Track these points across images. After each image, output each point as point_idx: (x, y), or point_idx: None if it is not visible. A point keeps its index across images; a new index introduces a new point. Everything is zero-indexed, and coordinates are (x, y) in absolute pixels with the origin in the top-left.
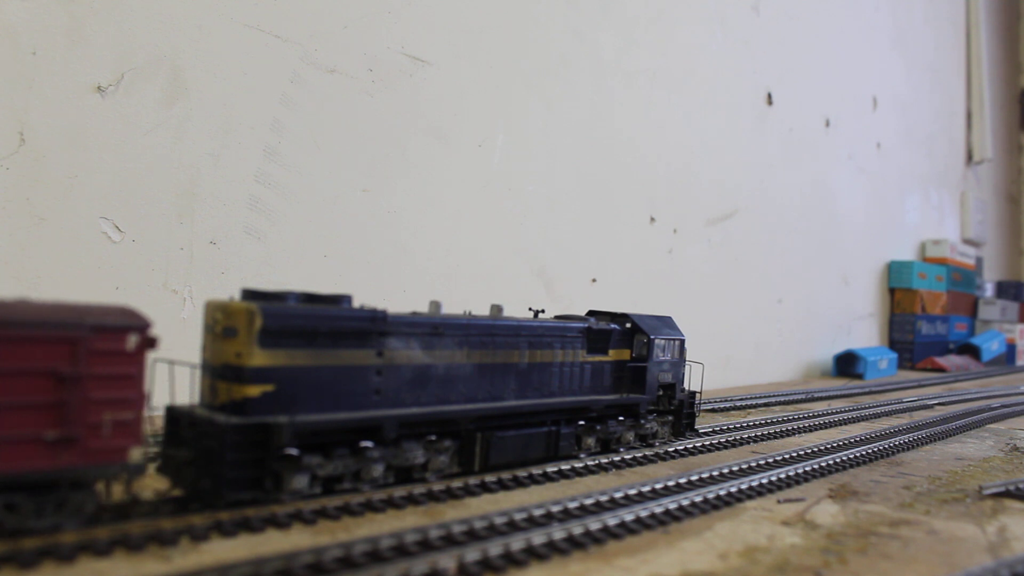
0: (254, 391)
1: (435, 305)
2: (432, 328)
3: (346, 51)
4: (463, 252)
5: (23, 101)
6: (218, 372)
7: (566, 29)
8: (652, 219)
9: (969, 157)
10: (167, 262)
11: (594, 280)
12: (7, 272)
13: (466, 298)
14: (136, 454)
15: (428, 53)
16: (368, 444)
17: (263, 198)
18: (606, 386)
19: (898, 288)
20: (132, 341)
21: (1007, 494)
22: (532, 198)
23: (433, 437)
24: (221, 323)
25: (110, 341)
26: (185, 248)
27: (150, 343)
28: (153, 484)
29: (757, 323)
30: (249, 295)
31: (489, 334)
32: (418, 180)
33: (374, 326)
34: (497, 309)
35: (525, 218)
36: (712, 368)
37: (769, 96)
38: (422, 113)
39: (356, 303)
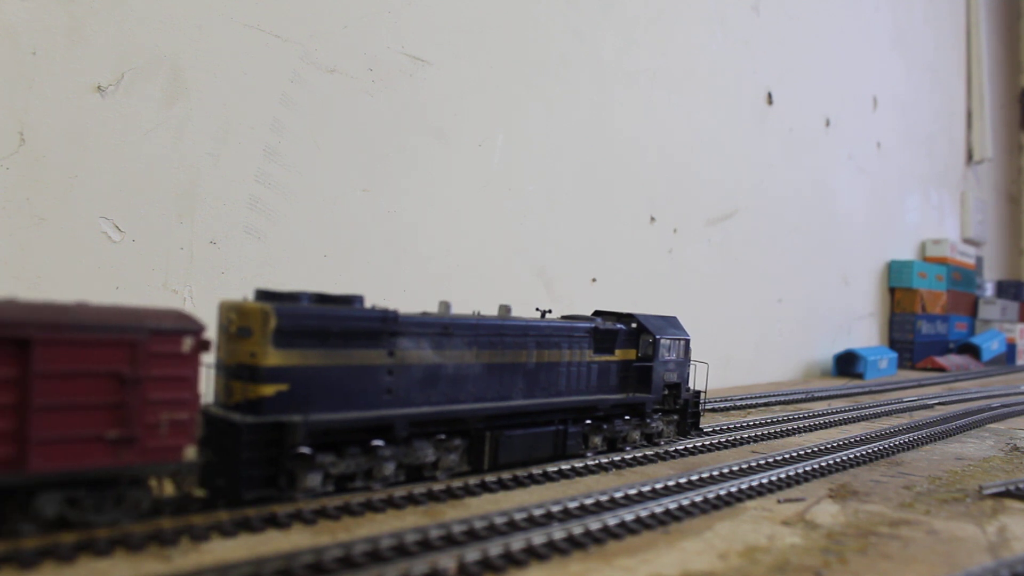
0: (269, 390)
1: (444, 305)
2: (442, 328)
3: (346, 51)
4: (463, 252)
5: (23, 101)
6: (233, 371)
7: (566, 29)
8: (652, 219)
9: (969, 157)
10: (167, 262)
11: (594, 280)
12: (7, 272)
13: (466, 298)
14: (191, 452)
15: (428, 53)
16: (380, 443)
17: (263, 198)
18: (612, 385)
19: (898, 288)
20: (188, 344)
21: (1007, 494)
22: (532, 198)
23: (443, 436)
24: (236, 323)
25: (167, 344)
26: (185, 248)
27: (204, 345)
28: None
29: (757, 323)
30: (263, 295)
31: (498, 334)
32: (418, 180)
33: (386, 326)
34: (505, 309)
35: (525, 218)
36: (712, 368)
37: (769, 96)
38: (422, 113)
39: (367, 303)
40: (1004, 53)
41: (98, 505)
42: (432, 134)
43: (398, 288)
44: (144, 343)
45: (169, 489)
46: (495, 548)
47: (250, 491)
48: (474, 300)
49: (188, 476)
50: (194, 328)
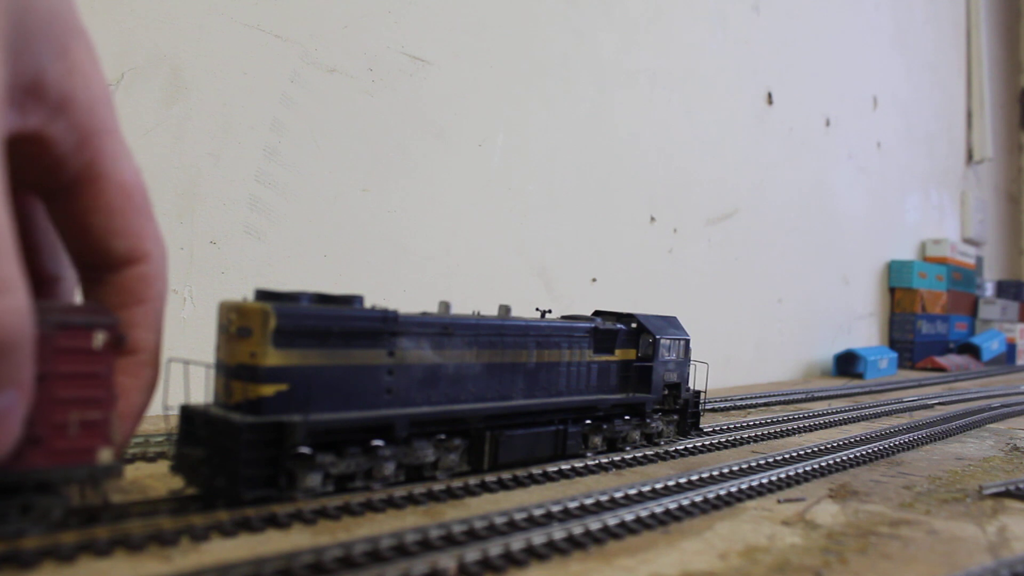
0: (268, 390)
1: (444, 305)
2: (442, 328)
3: (346, 51)
4: (463, 252)
5: None
6: (232, 372)
7: (566, 29)
8: (652, 219)
9: (969, 156)
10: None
11: (594, 280)
12: None
13: (466, 298)
14: (105, 455)
15: (428, 53)
16: (380, 443)
17: (263, 198)
18: (612, 385)
19: (898, 287)
20: (99, 339)
21: (1007, 494)
22: (532, 198)
23: (443, 436)
24: (235, 323)
25: (76, 339)
26: (185, 248)
27: (118, 341)
28: (168, 483)
29: (757, 323)
30: (263, 295)
31: (498, 334)
32: (418, 180)
33: (386, 326)
34: (505, 309)
35: (525, 218)
36: (712, 368)
37: (769, 96)
38: (422, 113)
39: (367, 303)
40: (1004, 53)
41: (1, 514)
42: (432, 134)
43: (398, 288)
44: (50, 337)
45: (90, 495)
46: (495, 548)
47: (250, 491)
48: (474, 300)
49: (103, 480)
50: (106, 322)
